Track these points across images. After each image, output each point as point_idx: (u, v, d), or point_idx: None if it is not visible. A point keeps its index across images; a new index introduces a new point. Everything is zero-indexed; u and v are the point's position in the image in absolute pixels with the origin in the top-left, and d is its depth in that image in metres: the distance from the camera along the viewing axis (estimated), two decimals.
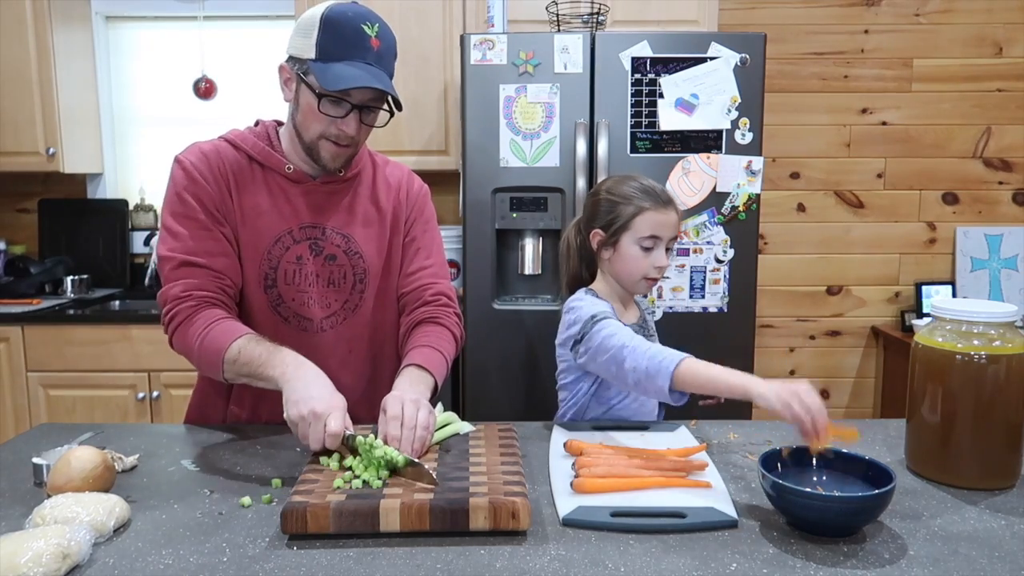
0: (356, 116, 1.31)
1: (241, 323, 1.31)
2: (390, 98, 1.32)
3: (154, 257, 3.00)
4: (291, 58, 1.32)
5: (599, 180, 2.25)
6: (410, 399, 1.20)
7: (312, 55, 1.27)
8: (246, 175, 1.37)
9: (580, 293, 1.53)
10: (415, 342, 1.40)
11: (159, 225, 1.38)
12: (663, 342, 1.63)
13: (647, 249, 1.46)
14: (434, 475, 1.04)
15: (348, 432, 1.12)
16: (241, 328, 1.28)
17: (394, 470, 1.07)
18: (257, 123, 1.45)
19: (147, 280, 3.04)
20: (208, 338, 1.26)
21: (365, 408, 1.35)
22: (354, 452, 1.11)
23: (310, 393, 1.15)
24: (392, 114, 1.35)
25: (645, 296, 1.62)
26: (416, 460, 1.07)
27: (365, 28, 1.27)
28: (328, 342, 1.40)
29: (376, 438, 1.10)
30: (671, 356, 1.23)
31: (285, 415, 1.16)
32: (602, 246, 1.51)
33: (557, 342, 1.54)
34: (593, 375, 1.47)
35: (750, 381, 1.13)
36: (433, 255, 1.52)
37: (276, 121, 1.45)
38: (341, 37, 1.26)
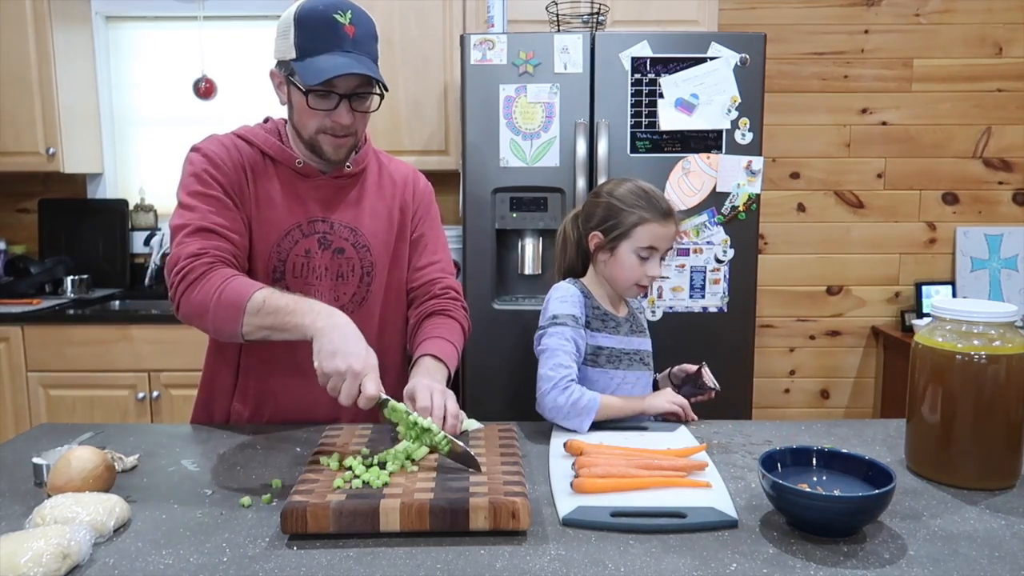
0: (347, 105, 1.32)
1: None
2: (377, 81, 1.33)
3: (155, 257, 3.02)
4: (278, 63, 1.34)
5: (599, 180, 2.26)
6: (438, 388, 1.23)
7: (293, 55, 1.29)
8: (260, 168, 1.39)
9: (563, 284, 1.55)
10: (427, 333, 1.43)
11: (175, 206, 1.36)
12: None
13: (643, 258, 1.49)
14: (478, 460, 1.08)
15: (383, 397, 1.13)
16: (261, 283, 1.26)
17: (432, 450, 1.10)
18: (267, 120, 1.47)
19: (147, 280, 3.04)
20: (228, 290, 1.22)
21: None
22: (387, 421, 1.14)
23: (348, 347, 1.12)
24: (382, 96, 1.36)
25: (644, 297, 1.64)
26: (460, 443, 1.10)
27: (337, 17, 1.28)
28: None
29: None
30: (587, 398, 1.38)
31: (316, 364, 1.12)
32: (599, 249, 1.52)
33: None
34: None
35: (642, 400, 1.46)
36: (440, 251, 1.56)
37: (283, 119, 1.47)
38: (314, 32, 1.28)
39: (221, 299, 1.21)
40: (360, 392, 1.11)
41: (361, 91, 1.33)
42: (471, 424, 1.27)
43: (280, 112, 1.49)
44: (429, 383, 1.26)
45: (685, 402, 1.48)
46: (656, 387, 1.62)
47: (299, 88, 1.30)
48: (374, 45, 1.34)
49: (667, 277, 2.33)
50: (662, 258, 1.52)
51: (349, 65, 1.27)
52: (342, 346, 1.12)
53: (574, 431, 1.37)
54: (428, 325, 1.46)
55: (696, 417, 1.48)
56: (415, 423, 1.12)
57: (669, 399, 1.47)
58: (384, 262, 1.47)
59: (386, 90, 1.36)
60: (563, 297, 1.50)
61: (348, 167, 1.43)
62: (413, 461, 1.10)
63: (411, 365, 1.39)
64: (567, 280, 1.56)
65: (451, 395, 1.25)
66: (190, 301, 1.25)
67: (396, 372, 1.51)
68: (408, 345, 1.52)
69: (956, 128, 3.09)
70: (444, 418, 1.20)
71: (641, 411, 1.45)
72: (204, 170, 1.34)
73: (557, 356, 1.43)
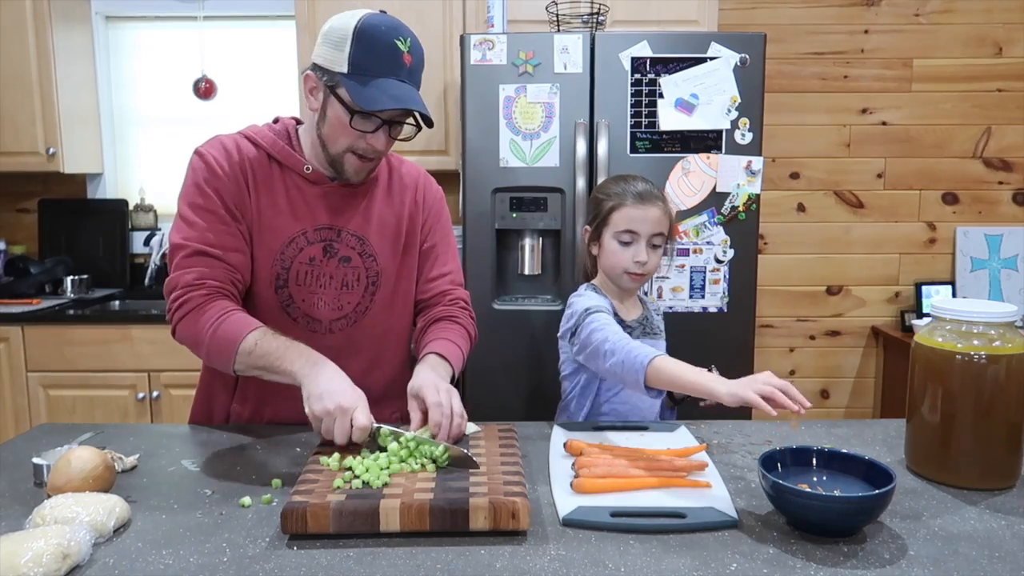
0: (385, 131, 1.31)
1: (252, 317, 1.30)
2: (417, 113, 1.32)
3: (155, 257, 3.02)
4: (318, 68, 1.29)
5: (599, 180, 2.26)
6: (443, 387, 1.24)
7: (344, 69, 1.25)
8: (264, 173, 1.37)
9: (582, 288, 1.58)
10: (433, 335, 1.43)
11: (175, 214, 1.36)
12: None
13: (625, 243, 1.51)
14: (475, 460, 1.08)
15: (375, 426, 1.15)
16: (255, 321, 1.27)
17: (433, 460, 1.10)
18: (276, 120, 1.44)
19: (147, 280, 3.04)
20: (222, 328, 1.24)
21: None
22: (380, 447, 1.14)
23: (332, 387, 1.16)
24: (420, 128, 1.35)
25: (646, 294, 1.65)
26: (456, 447, 1.11)
27: (399, 44, 1.26)
28: (335, 343, 1.40)
29: (411, 430, 1.16)
30: (645, 353, 1.27)
31: (307, 410, 1.15)
32: (591, 242, 1.58)
33: (558, 334, 1.58)
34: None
35: (713, 380, 1.18)
36: (451, 261, 1.55)
37: (295, 119, 1.45)
38: (375, 53, 1.24)
39: (215, 335, 1.24)
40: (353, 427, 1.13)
41: (400, 119, 1.32)
42: (469, 428, 1.27)
43: (279, 112, 1.48)
44: (434, 379, 1.26)
45: (774, 388, 1.09)
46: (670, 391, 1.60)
47: (343, 103, 1.27)
48: (421, 76, 1.32)
49: (667, 277, 2.33)
50: (656, 246, 1.52)
51: (406, 99, 1.25)
52: (327, 387, 1.16)
53: (642, 395, 1.30)
54: (435, 328, 1.46)
55: (806, 406, 1.08)
56: (411, 439, 1.13)
57: (749, 382, 1.12)
58: (391, 272, 1.45)
59: (430, 126, 1.33)
60: (588, 295, 1.54)
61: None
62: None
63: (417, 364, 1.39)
64: (584, 285, 1.60)
65: (455, 393, 1.25)
66: (186, 331, 1.28)
67: (399, 381, 1.49)
68: (414, 350, 1.51)
69: (956, 128, 3.09)
70: (450, 417, 1.20)
71: (707, 390, 1.17)
72: (204, 179, 1.33)
73: (608, 327, 1.39)
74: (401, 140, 1.36)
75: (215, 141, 1.38)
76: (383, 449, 1.14)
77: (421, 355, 1.39)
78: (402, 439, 1.13)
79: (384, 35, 1.25)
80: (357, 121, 1.28)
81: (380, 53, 1.24)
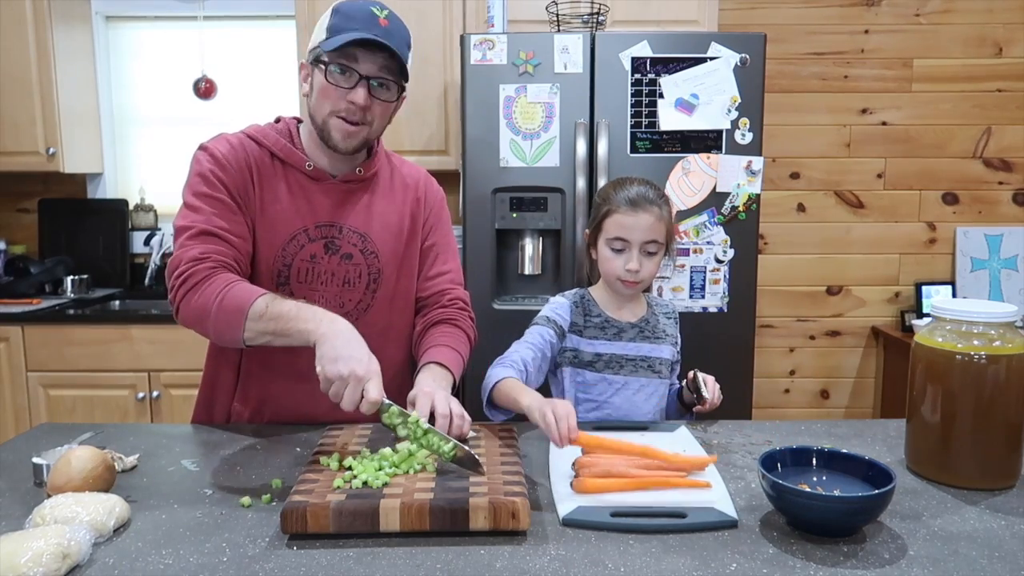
0: (365, 87, 1.31)
1: None
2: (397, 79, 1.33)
3: (155, 257, 3.03)
4: (308, 52, 1.35)
5: (599, 180, 2.27)
6: (441, 394, 1.23)
7: (324, 37, 1.30)
8: (268, 170, 1.37)
9: (557, 295, 1.59)
10: (433, 341, 1.42)
11: (179, 207, 1.36)
12: None
13: (617, 251, 1.49)
14: (481, 462, 1.07)
15: (385, 402, 1.12)
16: (263, 288, 1.25)
17: (439, 453, 1.09)
18: (278, 120, 1.45)
19: (147, 280, 3.05)
20: (230, 295, 1.21)
21: None
22: (388, 424, 1.13)
23: (350, 352, 1.12)
24: (402, 88, 1.36)
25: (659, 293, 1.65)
26: (464, 446, 1.09)
27: (374, 10, 1.30)
28: None
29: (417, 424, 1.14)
30: (498, 375, 1.38)
31: (319, 370, 1.12)
32: (590, 246, 1.57)
33: None
34: (568, 365, 1.54)
35: (526, 397, 1.25)
36: (450, 260, 1.54)
37: (296, 119, 1.46)
38: (350, 16, 1.30)
39: (223, 304, 1.21)
40: (363, 397, 1.10)
41: (383, 78, 1.32)
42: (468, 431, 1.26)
43: (284, 112, 1.49)
44: (431, 390, 1.24)
45: (552, 422, 1.15)
46: (680, 395, 1.60)
47: (322, 63, 1.30)
48: (404, 48, 1.33)
49: (667, 277, 2.33)
50: (658, 255, 1.50)
51: (372, 35, 1.26)
52: (344, 351, 1.12)
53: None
54: (434, 333, 1.45)
55: (565, 441, 1.14)
56: (417, 424, 1.11)
57: (543, 413, 1.16)
58: (392, 269, 1.45)
59: (406, 79, 1.35)
60: (556, 305, 1.56)
61: (359, 171, 1.41)
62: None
63: (416, 372, 1.38)
64: (574, 290, 1.60)
65: (455, 400, 1.24)
66: (191, 306, 1.24)
67: (399, 380, 1.49)
68: (413, 352, 1.51)
69: (956, 128, 3.09)
70: (451, 419, 1.19)
71: (520, 407, 1.27)
72: (210, 170, 1.32)
73: (516, 345, 1.51)
74: (385, 100, 1.35)
75: (220, 138, 1.38)
76: (393, 429, 1.13)
77: (421, 363, 1.38)
78: (410, 420, 1.12)
79: (360, 6, 1.31)
80: (333, 74, 1.29)
81: (354, 16, 1.30)
